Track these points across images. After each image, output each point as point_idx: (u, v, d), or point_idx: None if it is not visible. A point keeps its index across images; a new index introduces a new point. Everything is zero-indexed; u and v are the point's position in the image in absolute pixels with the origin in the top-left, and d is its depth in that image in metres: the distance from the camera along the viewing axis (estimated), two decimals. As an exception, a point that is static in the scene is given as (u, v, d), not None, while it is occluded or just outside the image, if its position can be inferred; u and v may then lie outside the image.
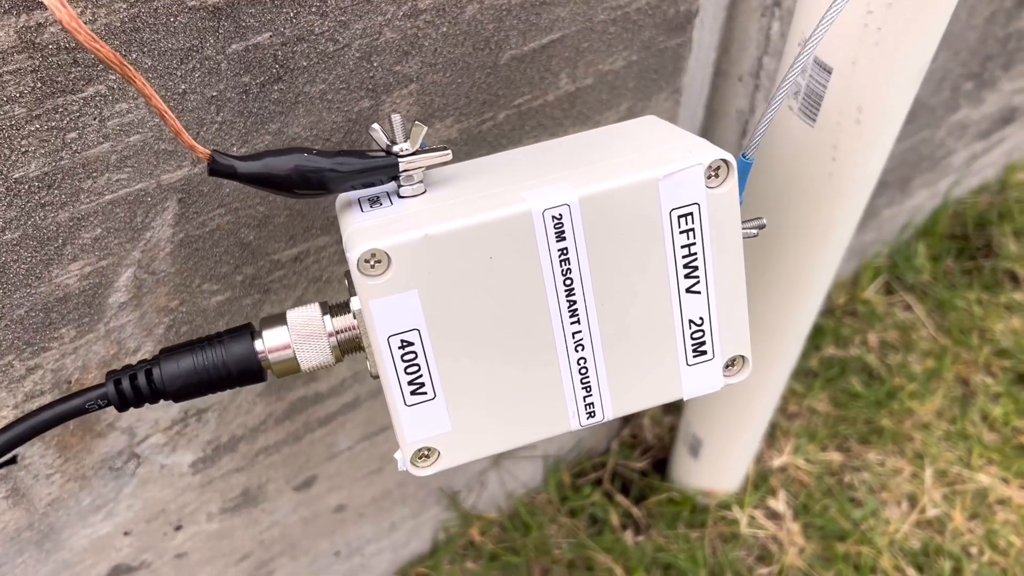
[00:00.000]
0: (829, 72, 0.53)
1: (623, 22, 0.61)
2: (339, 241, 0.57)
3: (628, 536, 0.98)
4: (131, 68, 0.36)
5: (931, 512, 1.01)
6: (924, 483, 1.03)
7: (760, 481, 1.01)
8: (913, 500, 1.02)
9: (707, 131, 0.81)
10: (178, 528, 0.64)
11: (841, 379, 1.13)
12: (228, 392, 0.59)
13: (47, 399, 0.50)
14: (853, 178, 0.58)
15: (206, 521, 0.66)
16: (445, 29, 0.52)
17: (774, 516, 1.00)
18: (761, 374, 0.80)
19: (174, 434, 0.58)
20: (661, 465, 1.05)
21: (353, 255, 0.37)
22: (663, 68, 0.67)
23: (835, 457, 1.06)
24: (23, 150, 0.41)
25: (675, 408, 1.05)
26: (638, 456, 1.04)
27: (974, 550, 0.99)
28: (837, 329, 1.18)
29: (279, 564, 0.75)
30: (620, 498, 1.00)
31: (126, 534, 0.61)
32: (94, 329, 0.50)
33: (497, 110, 0.59)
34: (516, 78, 0.58)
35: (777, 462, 1.03)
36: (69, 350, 0.49)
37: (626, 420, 1.05)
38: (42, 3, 0.38)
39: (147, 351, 0.52)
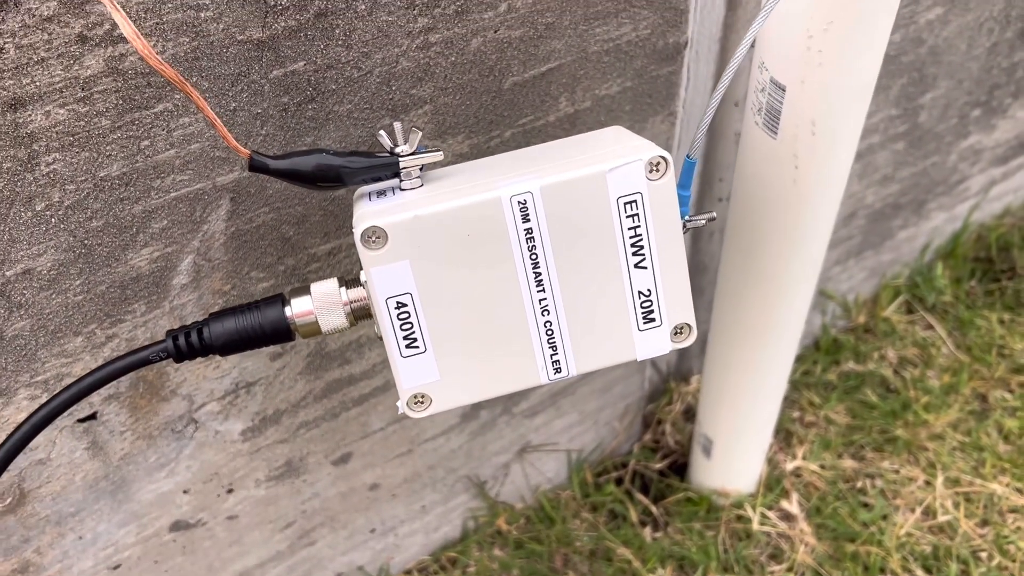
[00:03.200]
0: (783, 90, 0.62)
1: (615, 52, 0.70)
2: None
3: (646, 532, 1.05)
4: (188, 85, 0.46)
5: (942, 517, 1.06)
6: (936, 490, 1.08)
7: (774, 483, 1.07)
8: (925, 506, 1.07)
9: (708, 152, 0.89)
10: (230, 491, 0.74)
11: (858, 391, 1.18)
12: (273, 369, 0.69)
13: (122, 364, 0.61)
14: (815, 183, 0.66)
15: (254, 487, 0.76)
16: (454, 59, 0.62)
17: (787, 517, 1.05)
18: (758, 372, 0.87)
19: (227, 403, 0.69)
20: (681, 470, 1.11)
21: (357, 231, 0.47)
22: (656, 93, 0.76)
23: (849, 464, 1.11)
24: (108, 154, 0.52)
25: (694, 416, 1.11)
26: (659, 458, 1.11)
27: (983, 555, 1.03)
28: (856, 345, 1.23)
29: (320, 535, 0.85)
30: (640, 496, 1.07)
31: (185, 492, 0.72)
32: (160, 306, 0.60)
33: (503, 129, 0.68)
34: (519, 101, 0.68)
35: (790, 466, 1.09)
36: (140, 323, 0.60)
37: (647, 426, 1.12)
38: (125, 37, 0.49)
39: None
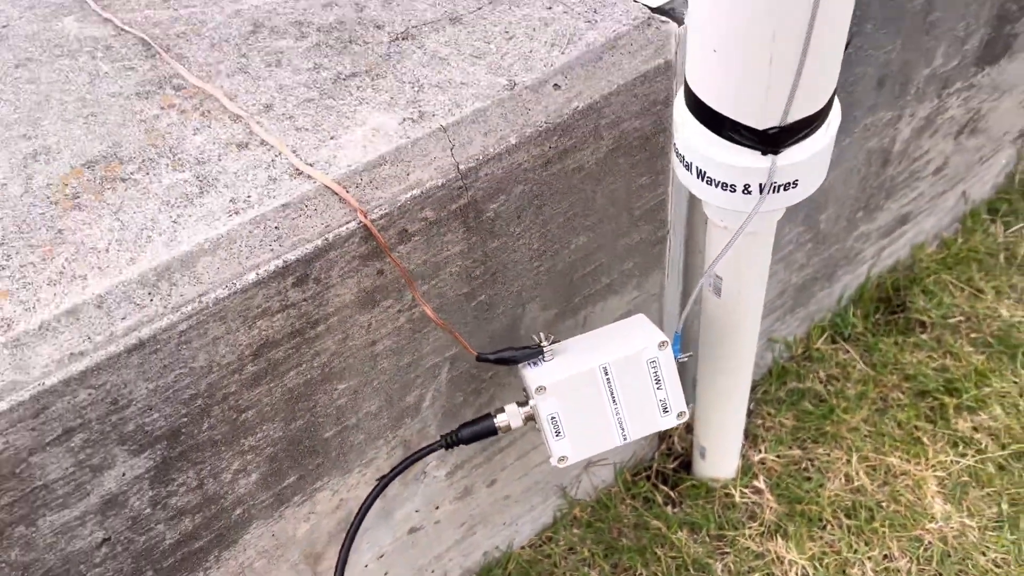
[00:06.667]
0: (722, 279, 1.20)
1: (630, 247, 1.28)
2: (508, 372, 1.25)
3: (668, 509, 1.63)
4: (456, 332, 1.04)
5: (856, 483, 1.64)
6: (852, 465, 1.67)
7: (747, 470, 1.66)
8: (845, 475, 1.65)
9: (686, 280, 1.47)
10: (437, 508, 1.33)
11: (800, 403, 1.77)
12: (461, 440, 1.27)
13: (398, 456, 1.18)
14: (743, 316, 1.24)
15: (448, 504, 1.34)
16: (548, 276, 1.20)
17: (757, 491, 1.64)
18: (729, 403, 1.46)
19: (440, 461, 1.27)
20: (687, 466, 1.70)
21: (531, 386, 1.05)
22: (652, 262, 1.34)
23: (796, 452, 1.69)
24: (414, 388, 1.10)
25: (692, 430, 1.70)
26: (672, 460, 1.69)
27: (884, 504, 1.62)
28: (797, 370, 1.82)
29: (478, 529, 1.43)
30: (662, 487, 1.66)
31: (416, 511, 1.30)
32: (416, 418, 1.18)
33: (572, 299, 1.26)
34: (580, 284, 1.26)
35: (757, 458, 1.67)
36: (406, 428, 1.18)
37: (662, 439, 1.70)
38: (421, 307, 1.07)
39: (434, 429, 1.21)
